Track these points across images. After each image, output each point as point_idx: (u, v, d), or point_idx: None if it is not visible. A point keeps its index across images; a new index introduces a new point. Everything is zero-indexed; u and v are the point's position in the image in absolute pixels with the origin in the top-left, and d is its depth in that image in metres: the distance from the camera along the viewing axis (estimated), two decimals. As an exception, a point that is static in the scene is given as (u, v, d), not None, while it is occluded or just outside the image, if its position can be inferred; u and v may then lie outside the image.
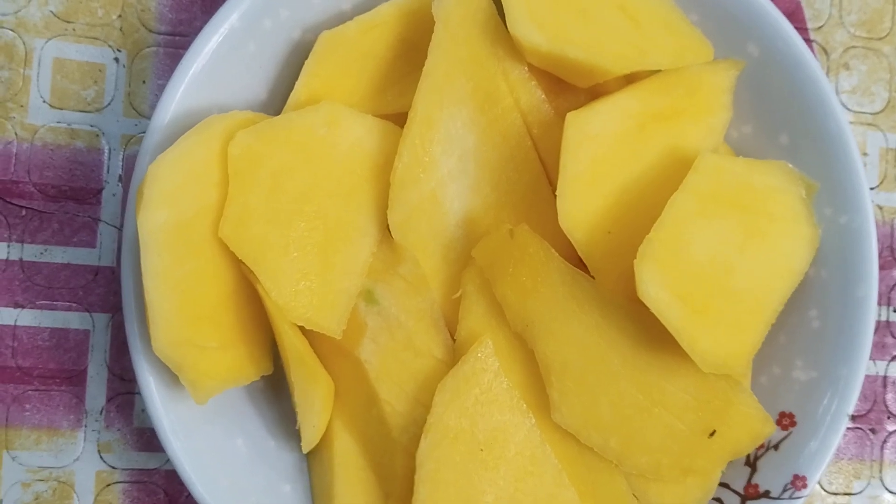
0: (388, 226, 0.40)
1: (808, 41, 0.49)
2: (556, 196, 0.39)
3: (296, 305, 0.38)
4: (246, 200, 0.38)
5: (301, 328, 0.39)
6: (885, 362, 0.50)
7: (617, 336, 0.39)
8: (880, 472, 0.50)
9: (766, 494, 0.41)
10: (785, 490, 0.41)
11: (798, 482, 0.41)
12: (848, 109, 0.50)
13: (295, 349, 0.38)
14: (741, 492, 0.42)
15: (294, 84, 0.40)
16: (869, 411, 0.49)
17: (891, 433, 0.50)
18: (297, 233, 0.38)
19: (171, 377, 0.38)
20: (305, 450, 0.39)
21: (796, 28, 0.41)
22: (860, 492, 0.49)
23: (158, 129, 0.38)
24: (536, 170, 0.41)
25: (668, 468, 0.39)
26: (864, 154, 0.50)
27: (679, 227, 0.38)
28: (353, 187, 0.40)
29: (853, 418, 0.49)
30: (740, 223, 0.39)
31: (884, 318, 0.50)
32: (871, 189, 0.50)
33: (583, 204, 0.39)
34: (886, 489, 0.49)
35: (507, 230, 0.39)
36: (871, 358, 0.50)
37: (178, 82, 0.38)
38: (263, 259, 0.38)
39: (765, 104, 0.42)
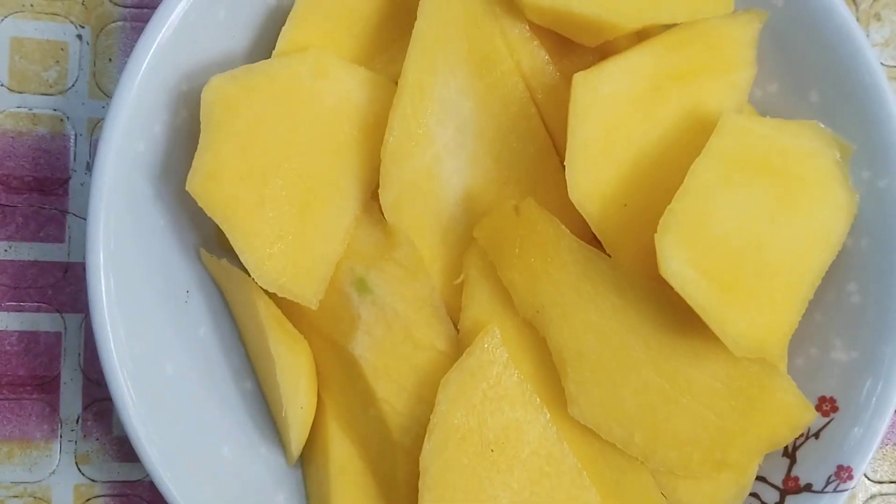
0: (374, 190, 0.37)
1: (835, -9, 0.46)
2: (564, 168, 0.36)
3: (269, 270, 0.35)
4: (218, 151, 0.35)
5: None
6: (930, 338, 0.46)
7: (637, 320, 0.36)
8: (928, 457, 0.46)
9: (808, 488, 0.38)
10: (829, 482, 0.38)
11: (843, 473, 0.38)
12: (880, 64, 0.46)
13: (273, 314, 0.36)
14: (780, 485, 0.39)
15: (271, 54, 0.37)
16: (914, 392, 0.46)
17: (938, 415, 0.46)
18: (274, 190, 0.36)
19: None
20: (296, 439, 0.37)
21: (823, -23, 0.38)
22: (907, 479, 0.46)
23: (122, 105, 0.35)
24: (542, 139, 0.38)
25: (699, 463, 0.37)
26: (900, 112, 0.46)
27: (703, 196, 0.35)
28: (338, 145, 0.37)
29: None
30: (770, 190, 0.37)
31: (927, 290, 0.46)
32: (910, 149, 0.46)
33: (595, 174, 0.36)
34: (935, 475, 0.46)
35: (511, 206, 0.36)
36: (915, 334, 0.46)
37: (141, 55, 0.35)
38: (235, 216, 0.35)
39: (792, 59, 0.40)
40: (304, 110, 0.36)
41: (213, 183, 0.35)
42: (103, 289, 0.35)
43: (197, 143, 0.35)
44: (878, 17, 0.47)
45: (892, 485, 0.46)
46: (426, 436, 0.35)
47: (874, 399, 0.38)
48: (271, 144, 0.36)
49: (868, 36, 0.47)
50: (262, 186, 0.35)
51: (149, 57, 0.35)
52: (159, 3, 0.41)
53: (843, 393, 0.39)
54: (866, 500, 0.46)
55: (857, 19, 0.46)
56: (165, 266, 0.37)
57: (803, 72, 0.39)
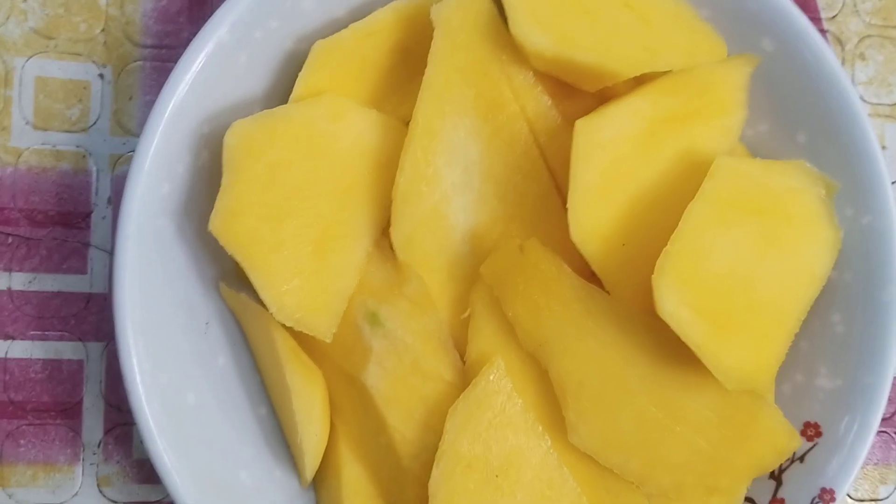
0: (385, 227, 0.38)
1: (821, 31, 0.47)
2: (566, 207, 0.37)
3: (286, 305, 0.37)
4: (240, 192, 0.36)
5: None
6: (910, 363, 0.48)
7: (635, 352, 0.37)
8: (907, 475, 0.48)
9: (793, 509, 0.40)
10: (812, 504, 0.40)
11: (826, 495, 0.39)
12: (864, 101, 0.48)
13: (289, 346, 0.37)
14: (767, 507, 0.40)
15: (289, 97, 0.38)
16: (894, 414, 0.48)
17: (917, 436, 0.48)
18: (291, 229, 0.37)
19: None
20: (310, 464, 0.38)
21: (809, 18, 0.40)
22: (886, 497, 0.48)
23: (148, 149, 0.36)
24: (545, 180, 0.39)
25: (691, 487, 0.38)
26: (883, 147, 0.48)
27: (697, 238, 0.36)
28: (352, 185, 0.38)
29: (878, 423, 0.48)
30: (759, 229, 0.38)
31: (908, 318, 0.48)
32: (893, 183, 0.48)
33: (595, 215, 0.37)
34: (913, 493, 0.48)
35: (516, 245, 0.38)
36: (896, 359, 0.48)
37: (166, 100, 0.36)
38: (254, 255, 0.36)
39: (781, 101, 0.41)
40: (321, 152, 0.38)
41: (233, 223, 0.36)
42: (129, 323, 0.36)
43: (217, 182, 0.36)
44: (862, 56, 0.48)
45: (872, 503, 0.48)
46: (434, 462, 0.37)
47: (856, 426, 0.39)
48: (289, 185, 0.37)
49: (853, 75, 0.48)
50: (281, 226, 0.37)
51: (173, 102, 0.36)
52: (177, 44, 0.43)
53: (826, 419, 0.40)
54: (848, 517, 0.48)
55: (843, 59, 0.48)
56: (187, 299, 0.38)
57: (792, 113, 0.41)
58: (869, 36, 0.48)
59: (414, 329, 0.38)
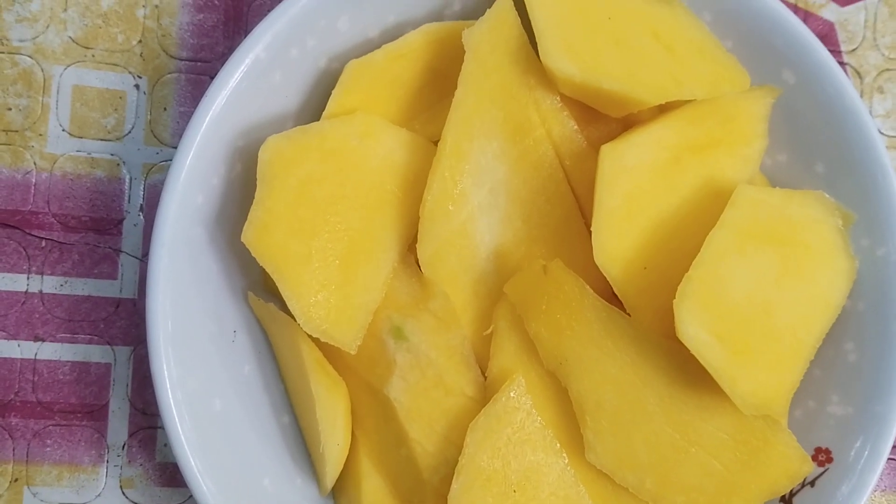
0: (411, 244, 0.39)
1: (841, 64, 0.48)
2: (589, 230, 0.38)
3: (313, 316, 0.37)
4: (272, 205, 0.37)
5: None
6: (919, 391, 0.49)
7: (653, 374, 0.38)
8: (913, 503, 0.49)
9: (803, 533, 0.40)
10: (822, 529, 0.40)
11: (835, 521, 0.40)
12: (882, 134, 0.49)
13: (315, 357, 0.38)
14: (777, 530, 0.41)
15: (321, 115, 0.39)
16: (902, 442, 0.48)
17: (924, 464, 0.49)
18: (321, 243, 0.38)
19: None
20: (331, 473, 0.39)
21: (830, 51, 0.41)
22: (893, 524, 0.48)
23: (185, 159, 0.37)
24: (569, 202, 0.40)
25: (704, 508, 0.39)
26: (899, 179, 0.49)
27: (718, 264, 0.37)
28: (380, 201, 0.39)
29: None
30: (777, 257, 0.39)
31: (917, 346, 0.49)
32: (906, 215, 0.49)
33: (618, 239, 0.38)
34: (919, 521, 0.49)
35: (540, 266, 0.38)
36: (905, 387, 0.48)
37: (203, 113, 0.37)
38: (284, 267, 0.37)
39: (801, 132, 0.42)
40: (351, 169, 0.38)
41: (265, 235, 0.37)
42: (160, 328, 0.37)
43: (249, 194, 0.37)
44: (880, 89, 0.49)
45: (880, 528, 0.48)
46: (454, 476, 0.37)
47: (866, 453, 0.40)
48: (320, 200, 0.38)
49: (871, 107, 0.49)
50: (310, 239, 0.38)
51: (210, 115, 0.37)
52: (212, 57, 0.44)
53: (837, 445, 0.41)
54: (854, 542, 0.48)
55: (861, 92, 0.49)
56: (216, 308, 0.39)
57: (811, 145, 0.41)
58: (888, 69, 0.49)
59: (437, 344, 0.39)
